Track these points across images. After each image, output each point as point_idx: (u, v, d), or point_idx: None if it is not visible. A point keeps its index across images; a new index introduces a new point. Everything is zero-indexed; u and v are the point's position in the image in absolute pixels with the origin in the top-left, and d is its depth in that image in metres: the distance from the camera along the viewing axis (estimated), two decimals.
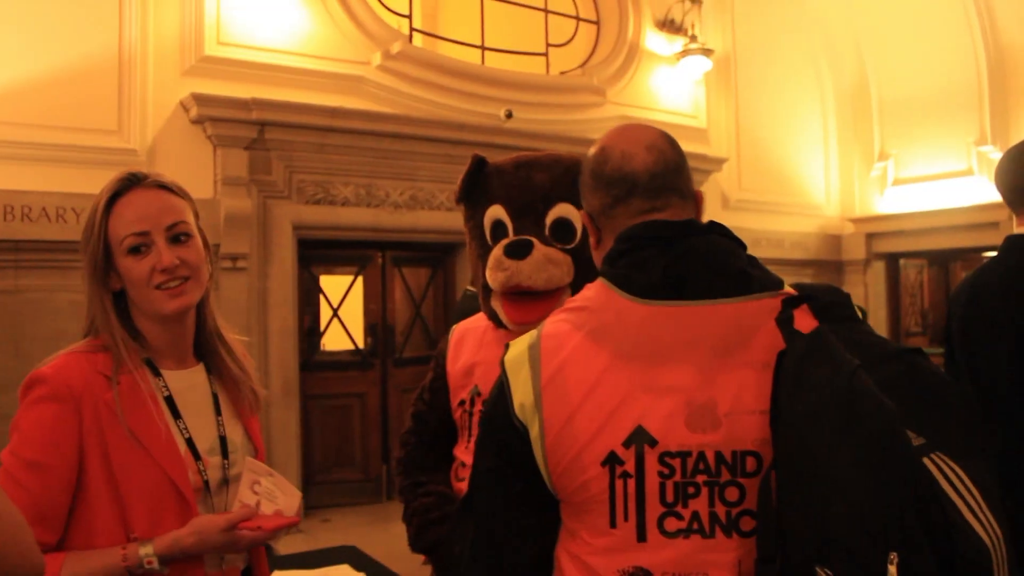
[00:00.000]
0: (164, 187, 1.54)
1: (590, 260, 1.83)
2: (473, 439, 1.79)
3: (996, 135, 8.80)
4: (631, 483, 1.12)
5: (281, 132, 6.16)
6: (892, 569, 0.93)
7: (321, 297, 7.07)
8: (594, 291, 1.25)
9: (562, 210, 1.86)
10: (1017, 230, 2.34)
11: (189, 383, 1.59)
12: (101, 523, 1.42)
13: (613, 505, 1.14)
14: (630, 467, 1.12)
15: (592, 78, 8.17)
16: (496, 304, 1.89)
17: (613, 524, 1.14)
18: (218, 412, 1.61)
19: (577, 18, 8.57)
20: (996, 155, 8.77)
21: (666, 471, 1.12)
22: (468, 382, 1.94)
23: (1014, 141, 9.15)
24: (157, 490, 1.45)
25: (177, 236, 1.52)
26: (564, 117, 7.88)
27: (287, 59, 6.34)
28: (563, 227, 1.86)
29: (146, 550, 1.39)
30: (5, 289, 5.22)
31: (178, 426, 1.52)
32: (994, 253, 2.35)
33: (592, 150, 1.36)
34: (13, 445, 1.43)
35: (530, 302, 1.83)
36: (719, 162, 8.78)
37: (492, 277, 1.84)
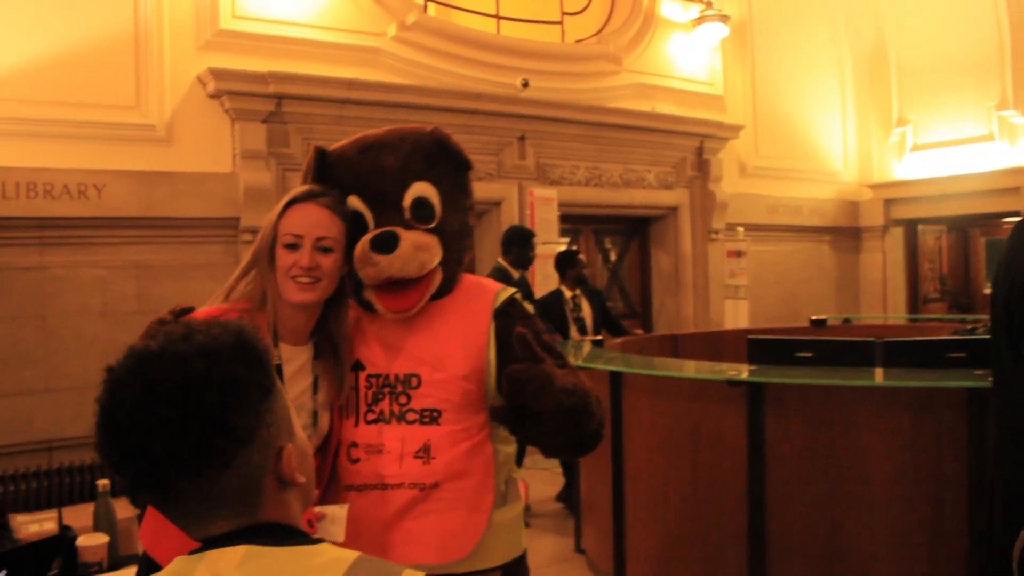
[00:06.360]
0: (328, 207, 1.81)
1: (454, 235, 1.83)
2: (364, 416, 1.83)
3: (1018, 99, 8.69)
4: None
5: (298, 105, 6.18)
6: None
7: None
8: None
9: (418, 190, 1.82)
10: None
11: (298, 358, 1.84)
12: None
13: None
14: None
15: (608, 46, 8.13)
16: (370, 295, 1.85)
17: None
18: (315, 391, 1.85)
19: None
20: (1018, 119, 8.67)
21: None
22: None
23: None
24: None
25: (323, 247, 1.78)
26: (580, 85, 7.85)
27: (303, 31, 6.35)
28: (422, 207, 1.82)
29: None
30: (30, 266, 5.27)
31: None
32: (1017, 218, 2.24)
33: None
34: None
35: (404, 290, 1.81)
36: (736, 129, 8.71)
37: (362, 272, 1.80)
